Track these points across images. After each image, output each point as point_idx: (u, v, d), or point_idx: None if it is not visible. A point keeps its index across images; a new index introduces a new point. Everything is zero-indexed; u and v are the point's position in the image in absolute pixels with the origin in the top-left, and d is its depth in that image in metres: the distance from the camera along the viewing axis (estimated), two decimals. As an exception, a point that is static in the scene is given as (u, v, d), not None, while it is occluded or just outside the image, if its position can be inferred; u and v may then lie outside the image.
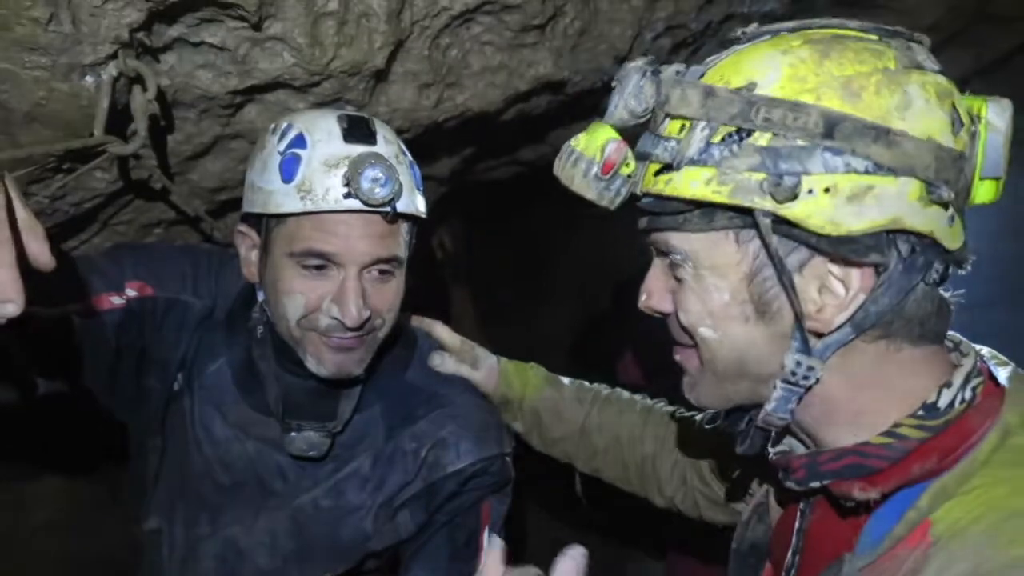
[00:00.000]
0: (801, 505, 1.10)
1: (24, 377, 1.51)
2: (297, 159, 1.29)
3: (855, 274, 0.89)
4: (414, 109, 1.84)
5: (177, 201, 1.75)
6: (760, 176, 0.87)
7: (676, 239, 0.96)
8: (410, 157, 1.41)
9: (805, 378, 0.92)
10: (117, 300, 1.42)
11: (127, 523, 2.09)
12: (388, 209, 1.29)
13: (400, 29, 1.61)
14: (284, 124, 1.35)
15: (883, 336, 0.92)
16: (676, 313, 0.99)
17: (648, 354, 3.11)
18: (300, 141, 1.31)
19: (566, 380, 1.80)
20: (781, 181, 0.85)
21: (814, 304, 0.91)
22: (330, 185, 1.27)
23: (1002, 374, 0.95)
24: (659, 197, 0.95)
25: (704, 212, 0.92)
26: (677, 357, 1.06)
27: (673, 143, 0.92)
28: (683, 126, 0.91)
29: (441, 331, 1.72)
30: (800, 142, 0.86)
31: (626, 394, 1.78)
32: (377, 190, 1.26)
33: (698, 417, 1.54)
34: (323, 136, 1.31)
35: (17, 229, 0.89)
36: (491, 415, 1.58)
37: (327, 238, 1.29)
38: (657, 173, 0.95)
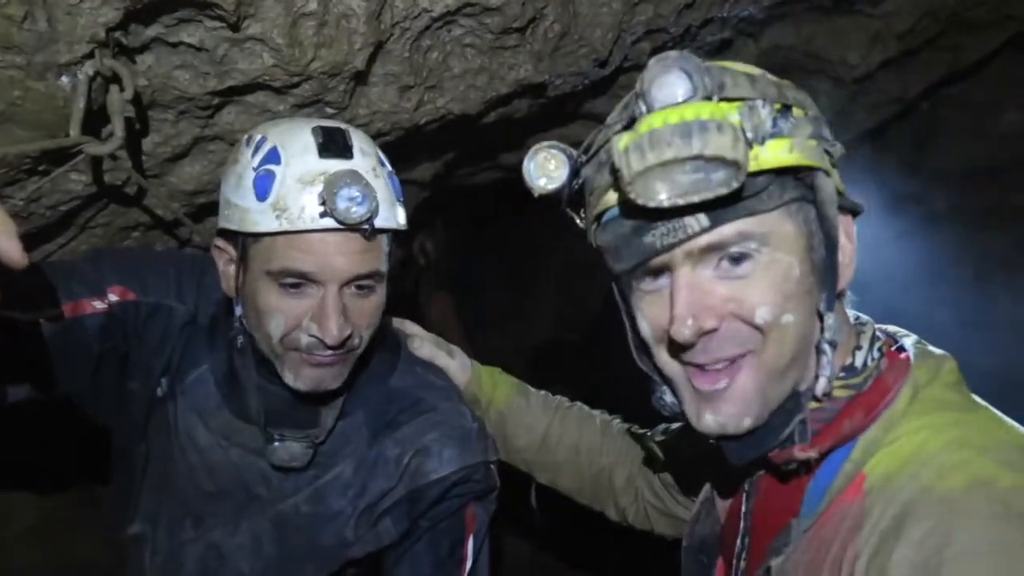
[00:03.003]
0: (746, 487, 1.14)
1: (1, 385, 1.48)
2: (271, 176, 1.27)
3: (852, 226, 1.02)
4: (395, 112, 1.84)
5: (155, 204, 1.73)
6: (814, 142, 0.95)
7: (750, 224, 0.93)
8: (389, 168, 1.39)
9: (839, 332, 0.98)
10: (99, 305, 1.40)
11: (107, 529, 2.07)
12: (366, 227, 1.27)
13: (380, 30, 1.60)
14: (258, 137, 1.33)
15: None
16: (742, 315, 0.95)
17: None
18: (274, 156, 1.28)
19: (534, 390, 1.82)
20: (833, 144, 0.97)
21: (844, 259, 0.99)
22: (305, 203, 1.24)
23: (908, 342, 1.06)
24: (751, 175, 0.90)
25: (779, 185, 0.94)
26: (721, 384, 0.98)
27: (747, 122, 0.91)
28: (733, 107, 0.91)
29: (413, 328, 1.75)
30: (814, 112, 0.98)
31: (587, 408, 1.81)
32: (354, 209, 1.23)
33: (651, 432, 1.57)
34: (297, 151, 1.28)
35: None
36: (475, 422, 1.57)
37: (304, 257, 1.27)
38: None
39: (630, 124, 0.94)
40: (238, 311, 1.39)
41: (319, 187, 1.24)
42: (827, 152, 0.97)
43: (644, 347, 1.07)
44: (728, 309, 0.95)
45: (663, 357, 1.03)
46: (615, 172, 0.92)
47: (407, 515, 1.51)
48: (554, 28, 1.92)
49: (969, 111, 3.66)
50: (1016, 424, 0.95)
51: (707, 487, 1.30)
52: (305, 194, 1.25)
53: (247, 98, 1.61)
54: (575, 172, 1.06)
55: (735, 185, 0.87)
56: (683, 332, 0.94)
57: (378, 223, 1.29)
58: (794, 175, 0.95)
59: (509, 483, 1.66)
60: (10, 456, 2.18)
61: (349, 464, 1.50)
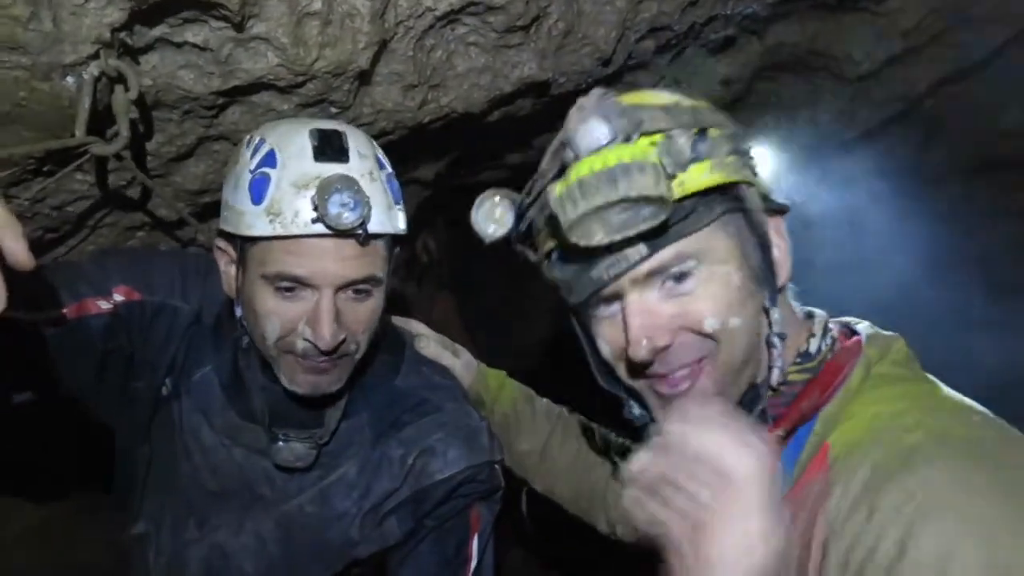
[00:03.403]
0: None
1: (2, 385, 1.49)
2: (267, 179, 1.26)
3: (783, 224, 1.10)
4: (398, 111, 1.84)
5: (160, 204, 1.73)
6: (733, 157, 1.04)
7: (685, 245, 1.01)
8: (389, 170, 1.38)
9: (784, 326, 1.06)
10: (104, 305, 1.40)
11: (108, 530, 2.06)
12: (359, 232, 1.26)
13: (384, 29, 1.60)
14: (257, 138, 1.33)
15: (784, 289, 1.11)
16: (691, 327, 1.02)
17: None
18: (270, 159, 1.28)
19: (539, 397, 1.84)
20: (750, 157, 1.07)
21: (779, 259, 1.08)
22: (299, 208, 1.23)
23: (860, 327, 1.13)
24: (676, 202, 0.98)
25: (706, 204, 1.01)
26: (683, 387, 1.05)
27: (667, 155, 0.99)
28: (652, 142, 0.99)
29: (419, 327, 1.75)
30: (730, 130, 1.06)
31: (584, 420, 1.80)
32: (345, 215, 1.22)
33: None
34: (293, 154, 1.27)
35: None
36: (480, 422, 1.56)
37: (298, 261, 1.26)
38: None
39: (561, 172, 1.02)
40: (238, 312, 1.39)
41: (312, 191, 1.23)
42: (747, 164, 1.06)
43: (606, 367, 1.14)
44: (678, 324, 1.02)
45: (623, 373, 1.10)
46: (553, 219, 1.00)
47: (412, 515, 1.51)
48: (558, 26, 1.92)
49: (974, 108, 3.65)
50: (955, 392, 1.02)
51: None
52: (299, 198, 1.24)
53: (251, 98, 1.61)
54: (520, 216, 1.13)
55: (663, 218, 0.96)
56: (639, 353, 1.02)
57: (372, 228, 1.28)
58: (720, 191, 1.02)
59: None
60: (10, 457, 2.18)
61: (354, 464, 1.50)
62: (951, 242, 4.12)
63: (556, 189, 0.99)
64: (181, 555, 1.49)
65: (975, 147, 4.01)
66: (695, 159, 1.00)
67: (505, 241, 1.16)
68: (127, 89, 1.34)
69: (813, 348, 1.09)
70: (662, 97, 1.06)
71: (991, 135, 3.88)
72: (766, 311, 1.06)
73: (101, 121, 1.39)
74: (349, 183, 1.23)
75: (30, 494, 2.46)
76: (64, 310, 1.36)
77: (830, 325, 1.13)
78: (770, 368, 1.06)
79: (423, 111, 1.89)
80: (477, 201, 1.16)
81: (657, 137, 0.99)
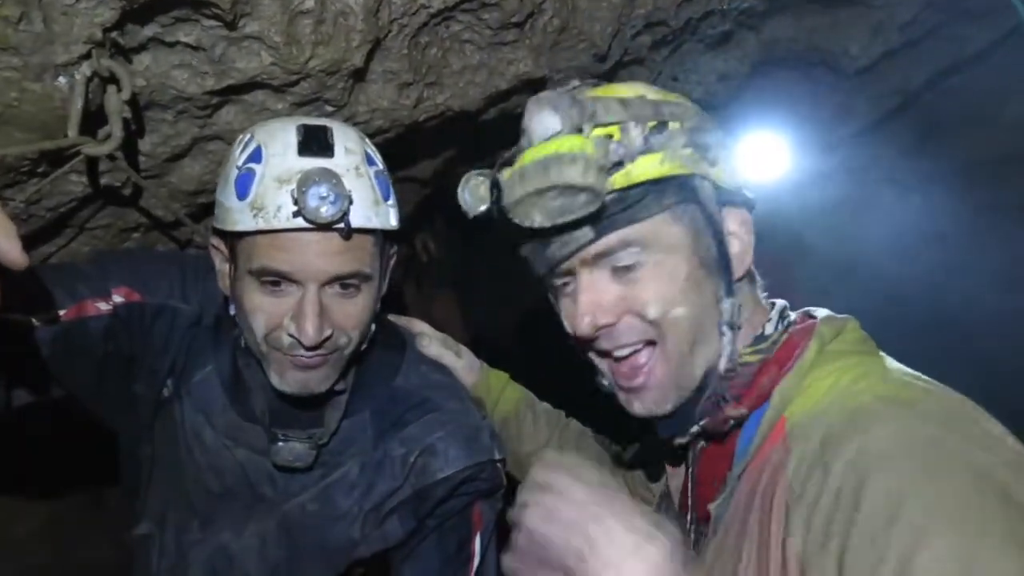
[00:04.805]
0: (690, 465, 1.22)
1: (3, 387, 1.49)
2: (251, 175, 1.26)
3: (749, 218, 1.15)
4: (394, 109, 1.84)
5: (155, 205, 1.73)
6: (689, 150, 1.08)
7: (630, 232, 1.06)
8: (379, 167, 1.37)
9: (737, 316, 1.11)
10: (103, 306, 1.40)
11: (112, 531, 2.06)
12: (341, 226, 1.25)
13: (378, 27, 1.60)
14: (247, 136, 1.33)
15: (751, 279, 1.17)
16: (636, 311, 1.08)
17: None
18: (257, 155, 1.27)
19: (540, 402, 1.83)
20: (708, 148, 1.09)
21: (736, 250, 1.13)
22: (281, 203, 1.23)
23: (819, 312, 1.17)
24: (622, 190, 1.05)
25: (656, 194, 1.06)
26: (638, 381, 1.12)
27: (615, 144, 1.04)
28: (605, 135, 1.05)
29: (422, 327, 1.74)
30: (691, 124, 1.09)
31: (582, 427, 1.81)
32: (324, 208, 1.21)
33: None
34: (278, 150, 1.27)
35: None
36: (482, 421, 1.55)
37: (281, 256, 1.26)
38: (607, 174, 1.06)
39: (515, 157, 1.10)
40: (232, 310, 1.39)
41: (293, 185, 1.23)
42: (704, 157, 1.10)
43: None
44: (622, 307, 1.08)
45: (580, 347, 1.17)
46: (500, 200, 1.10)
47: (414, 514, 1.50)
48: (553, 22, 1.91)
49: (972, 102, 3.64)
50: (905, 367, 1.07)
51: (661, 482, 1.37)
52: (281, 193, 1.23)
53: (246, 97, 1.61)
54: (496, 195, 1.18)
55: (593, 208, 1.02)
56: (581, 327, 1.09)
57: (356, 222, 1.27)
58: (674, 182, 1.07)
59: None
60: (18, 458, 2.18)
61: (355, 464, 1.49)
62: (951, 236, 4.13)
63: (505, 173, 1.09)
64: (185, 556, 1.49)
65: (975, 141, 4.00)
66: (647, 150, 1.05)
67: (488, 216, 1.21)
68: (120, 89, 1.34)
69: (768, 331, 1.14)
70: (628, 90, 1.12)
71: (991, 129, 3.88)
72: (719, 301, 1.11)
73: (94, 122, 1.38)
74: (328, 176, 1.23)
75: (38, 494, 2.46)
76: (63, 311, 1.35)
77: (788, 312, 1.18)
78: (719, 355, 1.11)
79: (419, 109, 1.89)
80: (464, 179, 1.23)
81: (612, 129, 1.05)
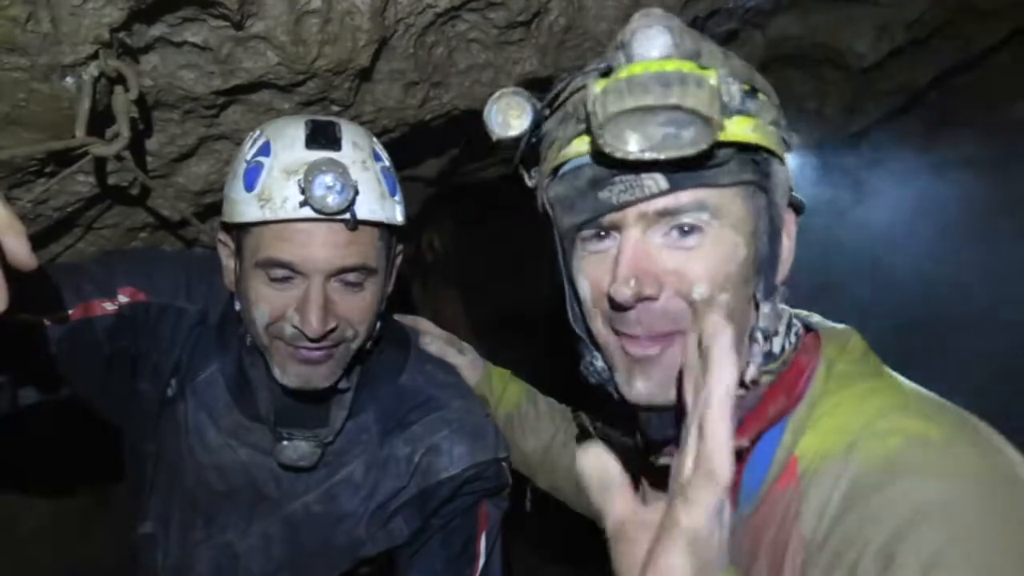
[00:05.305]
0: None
1: (9, 385, 1.49)
2: (260, 167, 1.28)
3: (795, 223, 1.05)
4: (400, 108, 1.83)
5: (162, 204, 1.73)
6: (774, 129, 0.98)
7: (707, 194, 0.94)
8: (386, 163, 1.38)
9: (774, 323, 1.01)
10: (109, 306, 1.40)
11: (117, 530, 2.07)
12: (347, 217, 1.26)
13: (384, 27, 1.60)
14: (257, 132, 1.35)
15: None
16: (682, 289, 0.95)
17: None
18: (265, 149, 1.30)
19: (542, 396, 1.82)
20: (791, 134, 1.00)
21: (783, 255, 1.03)
22: (288, 194, 1.25)
23: (813, 320, 1.10)
24: (716, 145, 0.91)
25: (740, 162, 0.95)
26: (654, 350, 0.98)
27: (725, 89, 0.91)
28: (714, 73, 0.90)
29: (426, 325, 1.74)
30: (776, 102, 1.00)
31: (585, 419, 1.77)
32: (330, 198, 1.23)
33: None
34: (286, 143, 1.29)
35: None
36: (486, 420, 1.56)
37: (287, 247, 1.26)
38: None
39: (607, 73, 0.93)
40: (237, 305, 1.39)
41: (300, 176, 1.24)
42: (784, 141, 1.00)
43: (581, 311, 1.07)
44: (669, 280, 0.96)
45: (598, 323, 1.03)
46: (587, 117, 0.91)
47: (418, 514, 1.51)
48: (559, 22, 1.91)
49: (979, 100, 3.63)
50: (916, 386, 0.99)
51: (642, 486, 1.28)
52: (288, 184, 1.25)
53: (252, 97, 1.61)
54: (537, 124, 1.05)
55: (704, 146, 0.88)
56: (623, 292, 0.94)
57: (362, 214, 1.28)
58: (753, 158, 0.96)
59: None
60: (21, 457, 2.19)
61: (360, 463, 1.49)
62: (958, 234, 4.11)
63: (599, 85, 0.90)
64: (189, 555, 1.49)
65: (982, 139, 3.99)
66: (743, 111, 0.94)
67: (512, 145, 1.08)
68: (127, 89, 1.34)
69: (776, 348, 1.03)
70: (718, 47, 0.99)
71: (998, 127, 3.86)
72: (757, 303, 1.00)
73: (101, 122, 1.39)
74: (335, 166, 1.24)
75: (42, 492, 2.47)
76: (70, 311, 1.36)
77: (795, 322, 1.09)
78: (748, 363, 1.00)
79: (425, 108, 1.89)
80: (494, 96, 1.06)
81: (711, 73, 0.90)
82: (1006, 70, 3.38)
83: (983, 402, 1.06)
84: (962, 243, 4.10)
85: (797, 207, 1.06)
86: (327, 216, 1.25)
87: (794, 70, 3.08)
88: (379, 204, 1.32)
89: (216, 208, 1.84)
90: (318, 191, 1.22)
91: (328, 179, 1.23)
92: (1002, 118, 3.79)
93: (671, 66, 0.87)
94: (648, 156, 0.89)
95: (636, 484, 1.28)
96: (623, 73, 0.89)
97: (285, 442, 1.43)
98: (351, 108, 1.74)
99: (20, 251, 0.89)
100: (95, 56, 1.28)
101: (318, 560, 1.49)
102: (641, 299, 0.95)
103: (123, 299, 1.41)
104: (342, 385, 1.43)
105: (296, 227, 1.26)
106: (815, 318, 1.11)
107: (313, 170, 1.23)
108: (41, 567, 2.45)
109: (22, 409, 1.39)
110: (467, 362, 1.72)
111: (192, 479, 1.49)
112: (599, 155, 0.93)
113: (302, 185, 1.23)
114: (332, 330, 1.30)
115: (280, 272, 1.28)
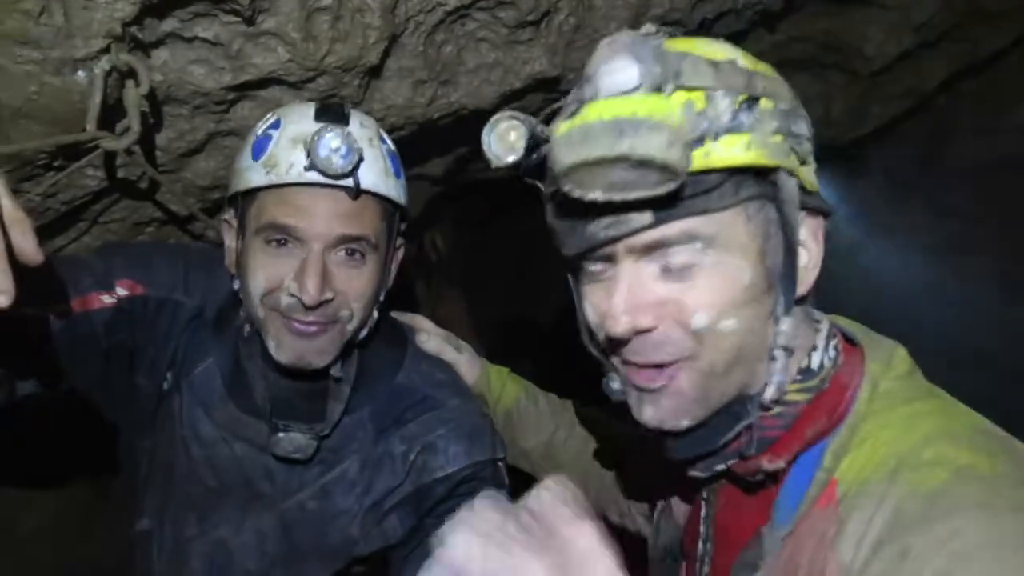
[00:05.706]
0: (704, 494, 1.11)
1: (8, 378, 1.49)
2: (268, 139, 1.31)
3: (821, 228, 0.98)
4: (408, 106, 1.84)
5: (170, 199, 1.73)
6: (780, 138, 0.90)
7: (696, 224, 0.89)
8: (390, 146, 1.40)
9: (795, 339, 0.95)
10: (107, 299, 1.40)
11: (117, 527, 2.06)
12: (350, 182, 1.27)
13: (395, 24, 1.60)
14: (270, 115, 1.38)
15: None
16: (680, 319, 0.92)
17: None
18: (276, 124, 1.33)
19: (542, 393, 1.81)
20: (801, 140, 0.92)
21: (805, 263, 0.96)
22: (294, 160, 1.27)
23: (855, 332, 1.04)
24: (698, 173, 0.87)
25: (734, 183, 0.89)
26: (658, 383, 0.95)
27: (699, 116, 0.86)
28: (688, 101, 0.86)
29: (424, 323, 1.73)
30: (785, 106, 0.92)
31: (594, 411, 1.77)
32: (335, 160, 1.24)
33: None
34: (295, 118, 1.33)
35: (3, 223, 0.88)
36: (484, 419, 1.55)
37: (288, 211, 1.28)
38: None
39: (577, 109, 0.89)
40: (236, 284, 1.39)
41: (308, 139, 1.27)
42: (794, 149, 0.92)
43: (591, 331, 1.04)
44: (666, 311, 0.92)
45: (603, 343, 1.01)
46: (553, 161, 0.88)
47: (413, 512, 1.50)
48: (569, 21, 1.91)
49: (987, 104, 3.63)
50: (964, 406, 0.95)
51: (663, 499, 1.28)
52: (295, 151, 1.28)
53: (262, 93, 1.61)
54: (534, 146, 1.01)
55: (670, 188, 0.83)
56: (616, 328, 0.92)
57: (366, 183, 1.29)
58: (754, 172, 0.90)
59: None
60: (21, 455, 2.19)
61: (355, 461, 1.49)
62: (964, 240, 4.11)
63: (561, 127, 0.87)
64: (184, 551, 1.48)
65: (989, 143, 3.98)
66: (733, 129, 0.87)
67: (513, 169, 1.04)
68: (138, 84, 1.34)
69: (815, 363, 0.98)
70: (718, 50, 0.93)
71: (1006, 131, 3.86)
72: (776, 320, 0.95)
73: (112, 116, 1.39)
74: (342, 130, 1.27)
75: (42, 490, 2.46)
76: (68, 304, 1.35)
77: (836, 333, 1.03)
78: (766, 383, 0.96)
79: (433, 107, 1.89)
80: (491, 120, 1.02)
81: (695, 95, 0.86)
82: (1013, 74, 3.38)
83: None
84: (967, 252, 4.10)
85: (823, 211, 0.99)
86: (331, 181, 1.26)
87: (802, 73, 3.08)
88: (382, 179, 1.34)
89: (223, 204, 1.84)
90: (323, 151, 1.24)
91: (334, 141, 1.25)
92: (1009, 122, 3.79)
93: (627, 109, 0.83)
94: (617, 198, 0.85)
95: (654, 470, 1.26)
96: (578, 119, 0.86)
97: (281, 434, 1.42)
98: (360, 105, 1.75)
99: (27, 246, 0.89)
100: (107, 50, 1.28)
101: (312, 558, 1.49)
102: (638, 332, 0.93)
103: (121, 292, 1.41)
104: (336, 372, 1.42)
105: (299, 191, 1.28)
106: (855, 327, 1.05)
107: (320, 133, 1.25)
108: (41, 567, 2.44)
109: (20, 405, 1.39)
110: (465, 360, 1.70)
111: (186, 474, 1.48)
112: (568, 197, 0.89)
113: (307, 148, 1.25)
114: (328, 301, 1.30)
115: (280, 236, 1.29)
